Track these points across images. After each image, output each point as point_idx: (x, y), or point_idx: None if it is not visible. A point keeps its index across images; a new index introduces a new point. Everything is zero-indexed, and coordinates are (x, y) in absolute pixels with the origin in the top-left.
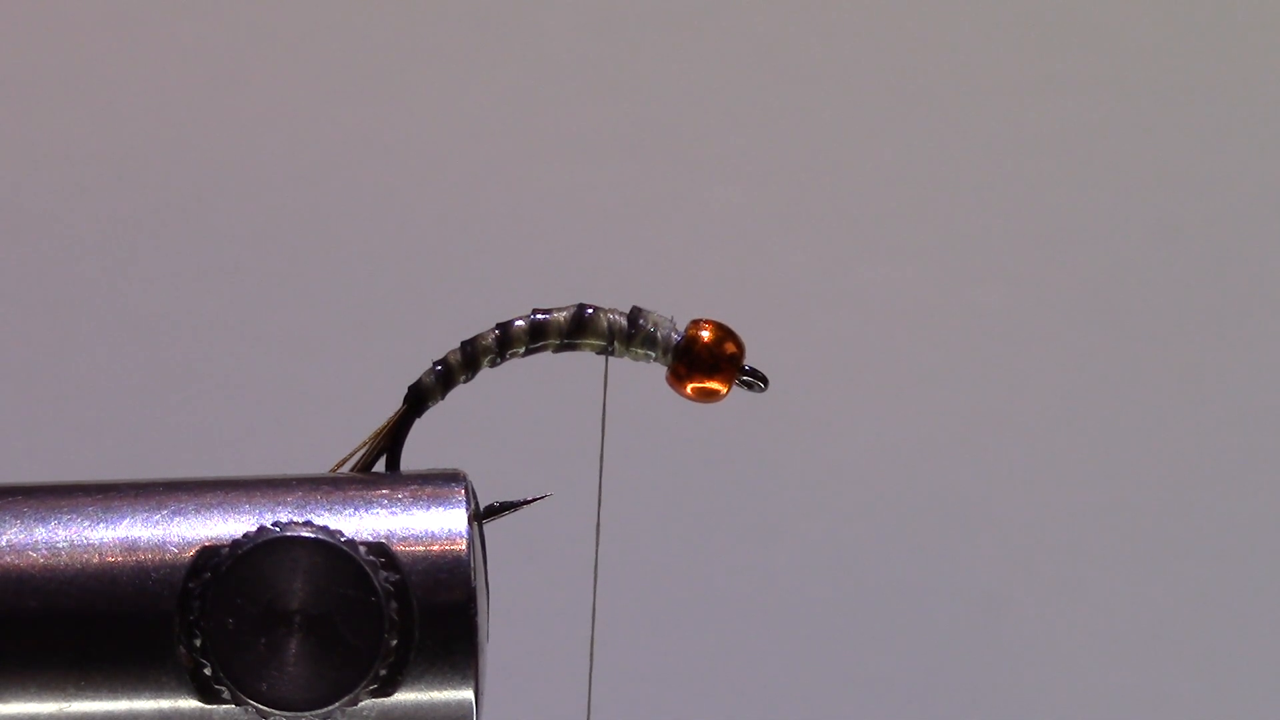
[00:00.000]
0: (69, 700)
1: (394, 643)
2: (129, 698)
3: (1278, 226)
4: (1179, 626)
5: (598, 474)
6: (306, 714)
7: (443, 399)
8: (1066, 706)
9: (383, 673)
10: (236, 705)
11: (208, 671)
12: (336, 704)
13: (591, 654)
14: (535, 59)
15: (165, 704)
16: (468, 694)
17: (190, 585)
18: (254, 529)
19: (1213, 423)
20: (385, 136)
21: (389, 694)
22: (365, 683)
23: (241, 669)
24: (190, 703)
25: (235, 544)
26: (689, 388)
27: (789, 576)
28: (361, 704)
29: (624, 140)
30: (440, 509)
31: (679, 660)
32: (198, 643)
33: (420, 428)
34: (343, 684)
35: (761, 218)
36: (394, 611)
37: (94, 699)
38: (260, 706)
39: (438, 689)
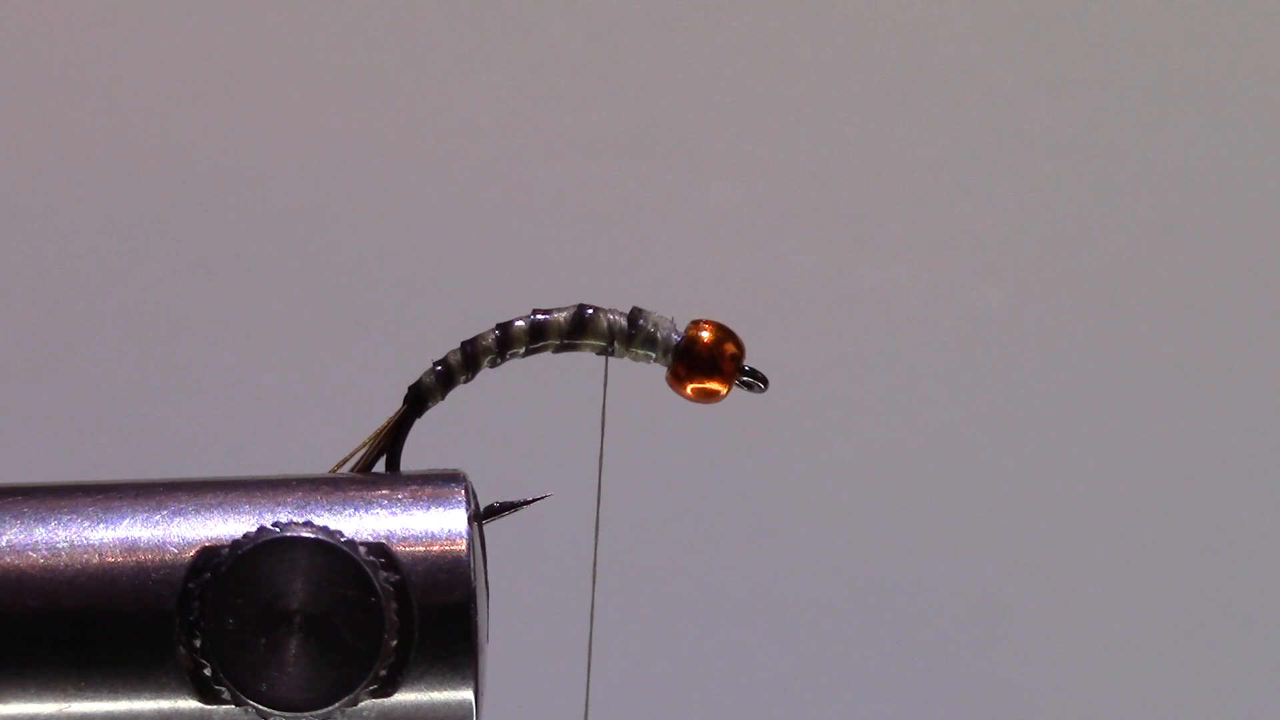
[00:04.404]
0: (69, 700)
1: (394, 643)
2: (129, 698)
3: (1278, 226)
4: (1179, 626)
5: (597, 474)
6: (306, 714)
7: (443, 399)
8: (1066, 706)
9: (383, 673)
10: (236, 705)
11: (208, 672)
12: (336, 704)
13: (590, 654)
14: (535, 59)
15: (165, 704)
16: (468, 694)
17: (190, 585)
18: (254, 529)
19: (1214, 422)
20: (385, 136)
21: (389, 694)
22: (365, 683)
23: (241, 669)
24: (190, 703)
25: (235, 544)
26: (689, 388)
27: (789, 576)
28: (361, 704)
29: (624, 140)
30: (440, 509)
31: (678, 660)
32: (198, 643)
33: (420, 428)
34: (343, 684)
35: (762, 217)
36: (394, 612)
37: (94, 699)
38: (260, 707)
39: (438, 689)
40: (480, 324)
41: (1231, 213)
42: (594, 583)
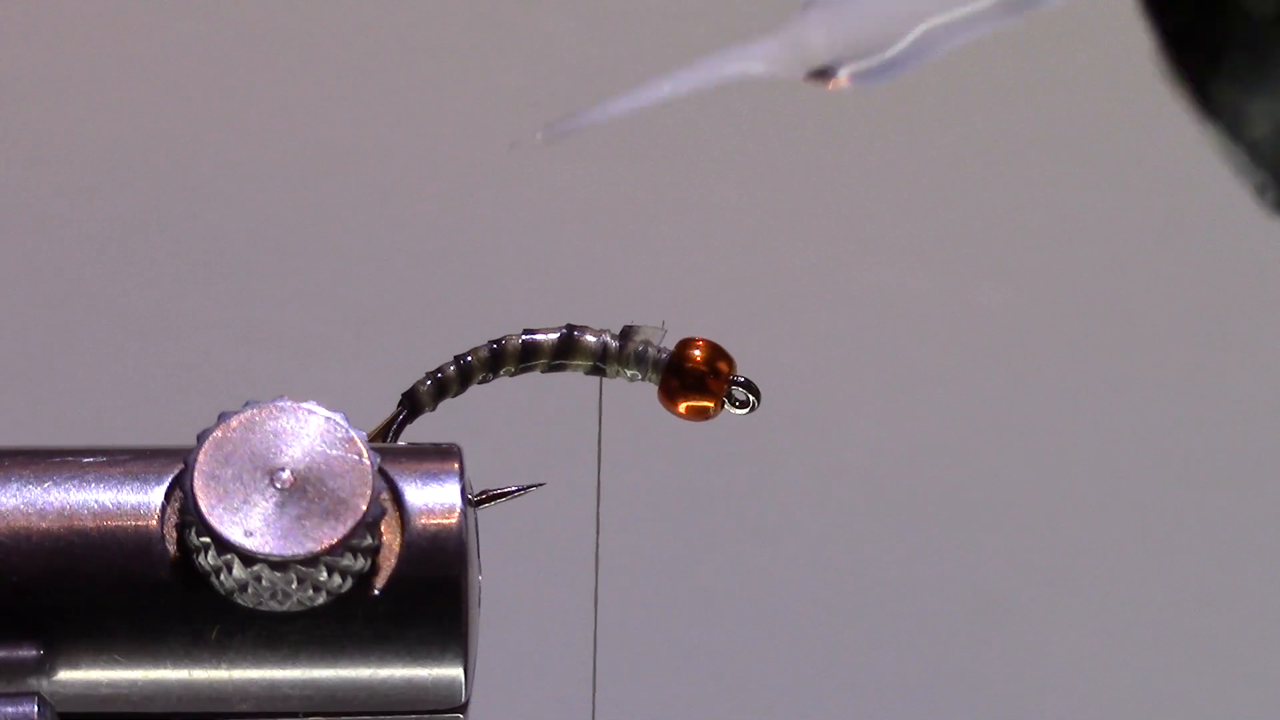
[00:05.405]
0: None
1: (381, 531)
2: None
3: (1278, 226)
4: (1180, 626)
5: (596, 479)
6: (288, 559)
7: (433, 410)
8: (1066, 706)
9: (367, 542)
10: (220, 555)
11: (191, 535)
12: (319, 551)
13: (595, 654)
14: (534, 59)
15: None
16: (457, 671)
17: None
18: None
19: (1214, 422)
20: (383, 138)
21: (369, 593)
22: (349, 535)
23: (221, 519)
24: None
25: (225, 414)
26: (681, 406)
27: (789, 576)
28: (344, 584)
29: (623, 141)
30: (436, 484)
31: (677, 659)
32: (177, 504)
33: (415, 425)
34: (325, 534)
35: (762, 217)
36: (382, 495)
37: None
38: (244, 548)
39: (426, 665)
40: (478, 326)
41: (1231, 213)
42: (596, 586)
